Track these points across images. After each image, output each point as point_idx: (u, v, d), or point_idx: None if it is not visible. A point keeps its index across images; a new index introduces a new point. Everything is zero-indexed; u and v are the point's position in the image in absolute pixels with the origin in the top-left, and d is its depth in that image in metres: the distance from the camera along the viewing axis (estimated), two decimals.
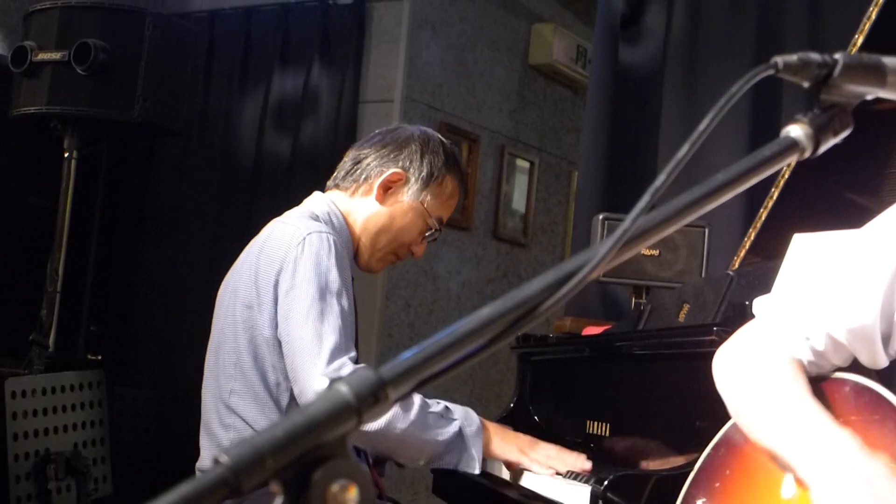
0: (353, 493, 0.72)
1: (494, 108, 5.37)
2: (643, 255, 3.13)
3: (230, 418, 2.33)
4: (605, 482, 1.91)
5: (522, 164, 5.54)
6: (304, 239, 2.28)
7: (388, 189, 2.48)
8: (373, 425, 2.12)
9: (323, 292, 2.23)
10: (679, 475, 1.65)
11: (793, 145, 0.89)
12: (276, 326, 2.28)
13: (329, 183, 2.58)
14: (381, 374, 0.74)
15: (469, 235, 5.24)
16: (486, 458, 2.36)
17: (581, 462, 2.31)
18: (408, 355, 0.76)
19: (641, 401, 2.42)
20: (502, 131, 5.41)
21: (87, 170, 4.56)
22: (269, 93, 5.05)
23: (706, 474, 1.61)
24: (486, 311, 0.79)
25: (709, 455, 1.63)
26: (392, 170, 2.47)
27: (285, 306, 2.25)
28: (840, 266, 1.47)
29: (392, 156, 2.49)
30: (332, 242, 2.29)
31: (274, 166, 5.05)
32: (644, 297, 3.16)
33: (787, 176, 2.78)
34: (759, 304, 1.60)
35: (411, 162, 2.48)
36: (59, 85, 4.00)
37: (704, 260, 3.12)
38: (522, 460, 2.36)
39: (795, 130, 0.89)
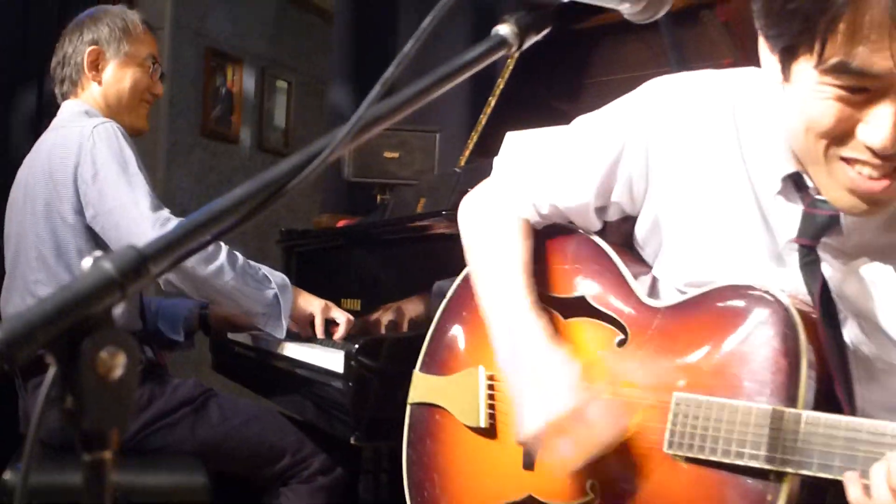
0: (120, 358, 0.68)
1: (255, 34, 5.20)
2: (386, 157, 3.13)
3: None
4: (356, 346, 1.92)
5: (282, 84, 5.40)
6: (92, 132, 2.22)
7: (97, 66, 2.43)
8: (202, 271, 2.15)
9: (124, 167, 2.19)
10: (417, 337, 1.67)
11: (501, 42, 0.88)
12: (80, 213, 2.22)
13: (59, 97, 2.49)
14: (141, 251, 0.69)
15: (236, 148, 5.09)
16: (296, 314, 2.35)
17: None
18: (167, 232, 0.72)
19: (388, 278, 2.44)
20: (263, 55, 5.25)
21: None
22: (29, 15, 4.67)
23: (457, 303, 1.62)
24: (238, 191, 0.76)
25: (459, 286, 1.63)
26: (86, 51, 2.42)
27: (95, 191, 2.19)
28: (563, 151, 1.51)
29: (78, 41, 2.44)
30: (115, 127, 2.25)
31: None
32: (388, 194, 3.16)
33: (502, 86, 2.82)
34: (512, 138, 1.61)
35: (94, 33, 2.44)
36: None
37: (437, 160, 3.15)
38: (329, 312, 2.38)
39: (503, 29, 0.88)
